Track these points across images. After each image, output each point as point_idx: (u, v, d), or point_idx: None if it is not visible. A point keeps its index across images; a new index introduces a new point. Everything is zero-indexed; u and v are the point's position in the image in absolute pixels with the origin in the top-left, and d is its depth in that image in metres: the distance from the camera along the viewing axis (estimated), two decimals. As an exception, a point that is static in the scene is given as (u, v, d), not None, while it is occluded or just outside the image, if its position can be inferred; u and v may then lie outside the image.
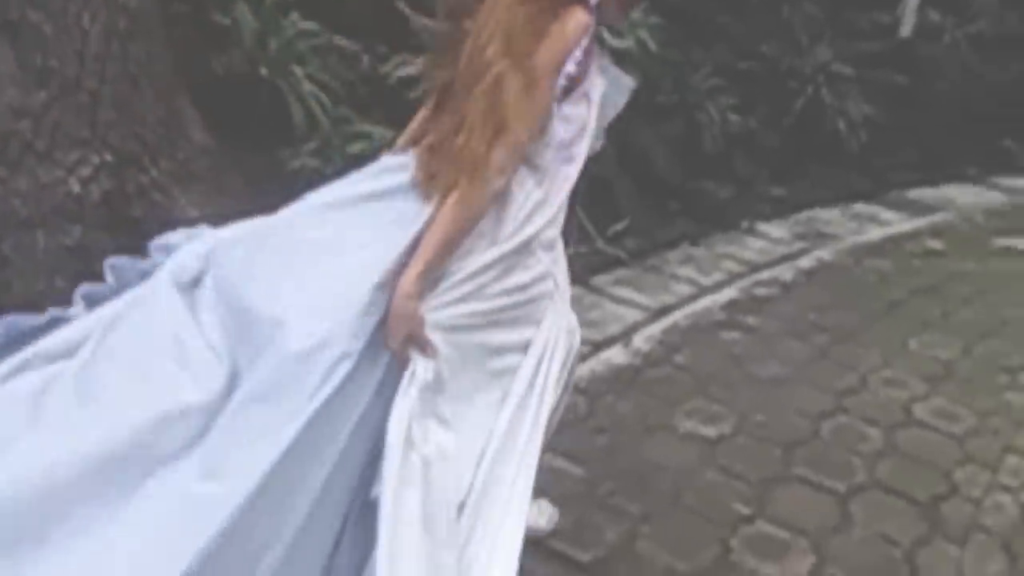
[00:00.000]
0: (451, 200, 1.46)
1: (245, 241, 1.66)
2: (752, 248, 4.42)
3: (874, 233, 4.91)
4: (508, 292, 1.58)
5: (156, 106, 2.70)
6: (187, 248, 1.68)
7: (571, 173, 1.60)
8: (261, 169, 2.98)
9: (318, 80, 3.17)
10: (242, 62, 3.06)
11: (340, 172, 3.03)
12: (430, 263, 1.47)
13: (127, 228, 2.65)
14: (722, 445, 2.68)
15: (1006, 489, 2.60)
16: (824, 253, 4.47)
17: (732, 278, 3.99)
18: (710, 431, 2.74)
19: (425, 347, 1.49)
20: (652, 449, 2.60)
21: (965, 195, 5.94)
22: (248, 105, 3.05)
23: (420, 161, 1.55)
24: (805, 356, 3.32)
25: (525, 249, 1.58)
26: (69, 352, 1.61)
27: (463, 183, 1.45)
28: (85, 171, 2.56)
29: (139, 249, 2.16)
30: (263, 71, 3.03)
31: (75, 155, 2.54)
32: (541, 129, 1.52)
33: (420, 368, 1.47)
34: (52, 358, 1.61)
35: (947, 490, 2.57)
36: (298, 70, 3.07)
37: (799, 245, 4.53)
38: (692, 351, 3.24)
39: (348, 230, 1.56)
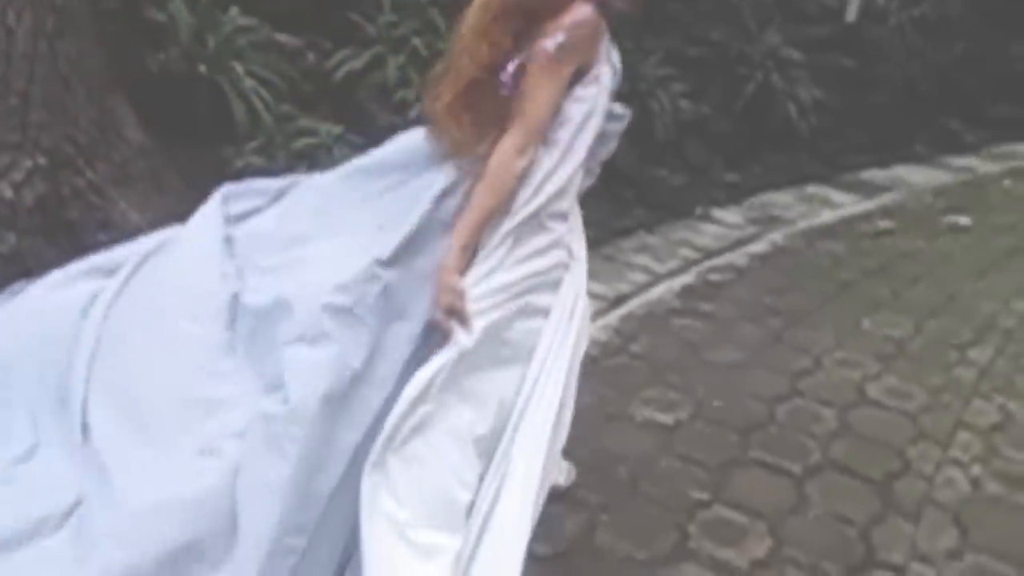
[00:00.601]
0: (482, 183, 1.62)
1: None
2: (706, 234, 4.43)
3: (826, 215, 4.96)
4: (521, 261, 1.69)
5: (89, 106, 2.62)
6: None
7: (581, 147, 1.70)
8: (203, 168, 2.91)
9: (259, 77, 3.10)
10: (179, 59, 2.98)
11: (285, 170, 3.01)
12: (468, 239, 1.64)
13: (64, 232, 2.58)
14: (679, 432, 2.68)
15: (957, 464, 2.64)
16: (777, 237, 4.50)
17: (687, 265, 4.00)
18: (667, 418, 2.73)
19: (466, 319, 1.62)
20: (610, 439, 2.59)
21: (914, 175, 6.03)
22: (187, 103, 2.98)
23: (441, 139, 1.72)
24: (760, 340, 3.34)
25: (534, 220, 1.69)
26: (110, 271, 1.86)
27: (493, 166, 1.62)
28: (17, 175, 2.48)
29: (78, 253, 2.10)
30: (201, 68, 2.95)
31: (6, 159, 2.46)
32: (555, 111, 1.66)
33: (462, 337, 1.61)
34: (97, 272, 1.87)
35: (900, 467, 2.59)
36: (238, 67, 2.99)
37: (752, 230, 4.56)
38: (648, 339, 3.24)
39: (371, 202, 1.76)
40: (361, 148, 3.27)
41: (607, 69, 1.71)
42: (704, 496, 2.39)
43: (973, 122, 7.12)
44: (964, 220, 5.03)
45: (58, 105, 2.54)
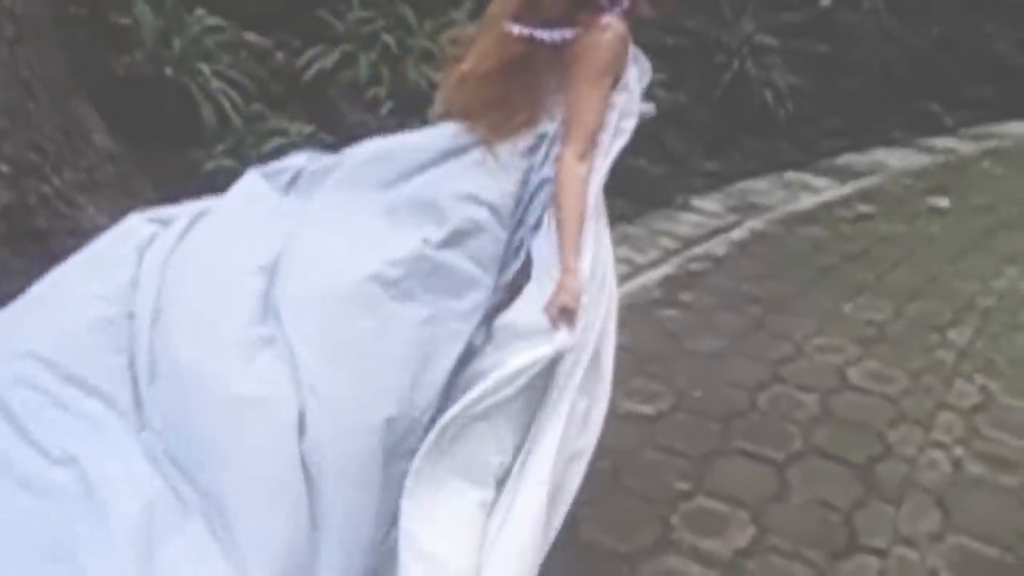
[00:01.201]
0: (559, 198, 1.73)
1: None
2: (687, 223, 4.43)
3: (806, 201, 4.96)
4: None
5: (53, 113, 2.57)
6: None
7: (615, 150, 1.83)
8: (173, 172, 2.88)
9: (227, 77, 3.06)
10: (145, 62, 2.94)
11: (256, 171, 2.96)
12: (576, 248, 1.71)
13: (32, 241, 2.53)
14: (661, 423, 2.67)
15: (939, 446, 2.64)
16: (757, 224, 4.50)
17: (667, 255, 3.99)
18: (649, 409, 2.72)
19: (574, 323, 1.65)
20: (591, 432, 2.57)
21: (892, 158, 6.04)
22: (154, 106, 2.93)
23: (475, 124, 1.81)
24: (741, 328, 3.33)
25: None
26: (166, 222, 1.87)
27: (563, 180, 1.72)
28: (-20, 185, 2.43)
29: (47, 262, 2.06)
30: (168, 71, 2.91)
31: (-33, 169, 2.41)
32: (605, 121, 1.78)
33: (565, 336, 1.63)
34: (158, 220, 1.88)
35: (882, 451, 2.59)
36: (205, 68, 2.95)
37: (732, 217, 4.56)
38: (630, 330, 3.19)
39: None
40: (332, 147, 3.25)
41: (634, 72, 1.83)
42: (687, 487, 2.38)
43: (951, 104, 7.13)
44: (943, 202, 5.04)
45: (20, 112, 2.49)
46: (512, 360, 1.61)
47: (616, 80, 1.79)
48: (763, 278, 3.80)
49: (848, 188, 5.27)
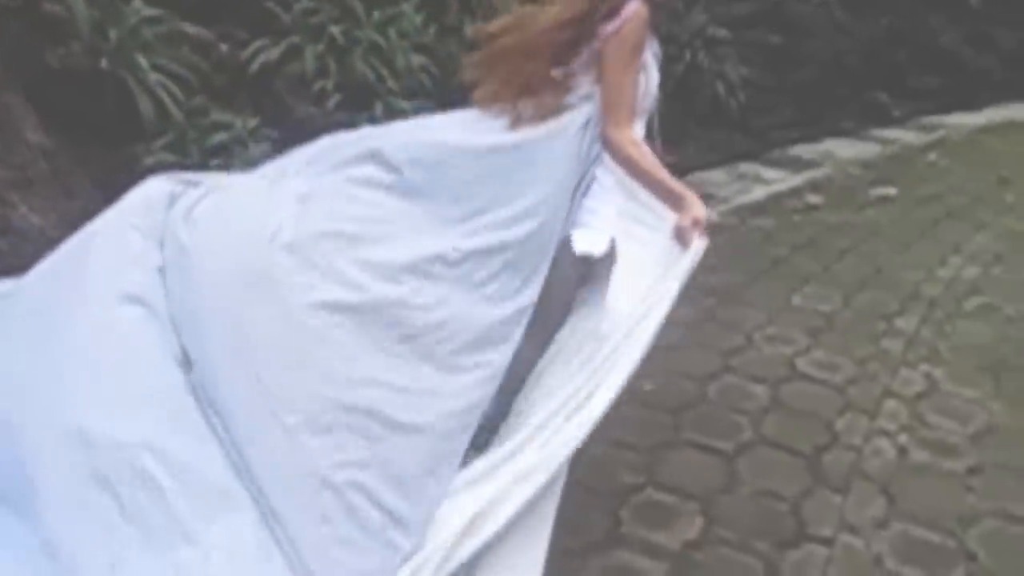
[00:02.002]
0: (630, 171, 1.84)
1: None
2: (640, 215, 4.42)
3: (758, 192, 5.00)
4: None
5: (-19, 107, 2.49)
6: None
7: (641, 122, 1.96)
8: (111, 168, 2.79)
9: (167, 70, 2.97)
10: (81, 54, 2.84)
11: (199, 167, 2.90)
12: (669, 180, 1.85)
13: (-40, 240, 2.45)
14: (612, 417, 2.63)
15: (884, 433, 2.67)
16: (711, 215, 4.51)
17: (620, 247, 3.98)
18: (600, 403, 2.71)
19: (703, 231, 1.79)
20: (542, 427, 2.56)
21: (842, 149, 6.12)
22: (91, 100, 2.84)
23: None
24: (693, 319, 3.34)
25: None
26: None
27: (624, 155, 1.84)
28: (-95, 184, 2.35)
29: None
30: (104, 63, 2.82)
31: None
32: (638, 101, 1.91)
33: (700, 242, 1.77)
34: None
35: (829, 440, 2.62)
36: (143, 60, 2.87)
37: (685, 209, 4.56)
38: (582, 323, 3.21)
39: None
40: (278, 141, 3.20)
41: (650, 55, 1.94)
42: (637, 480, 2.38)
43: (899, 95, 7.26)
44: (891, 192, 5.12)
45: (-54, 107, 2.41)
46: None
47: (642, 56, 1.90)
48: (716, 269, 3.81)
49: (799, 179, 5.32)
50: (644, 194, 1.85)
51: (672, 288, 1.74)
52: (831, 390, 2.91)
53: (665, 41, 5.76)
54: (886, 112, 7.04)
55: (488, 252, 1.75)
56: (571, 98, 1.88)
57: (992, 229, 4.72)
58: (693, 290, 3.48)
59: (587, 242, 1.84)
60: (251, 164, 3.02)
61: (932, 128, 6.98)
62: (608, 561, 2.08)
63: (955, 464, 2.55)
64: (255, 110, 3.23)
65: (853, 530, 2.24)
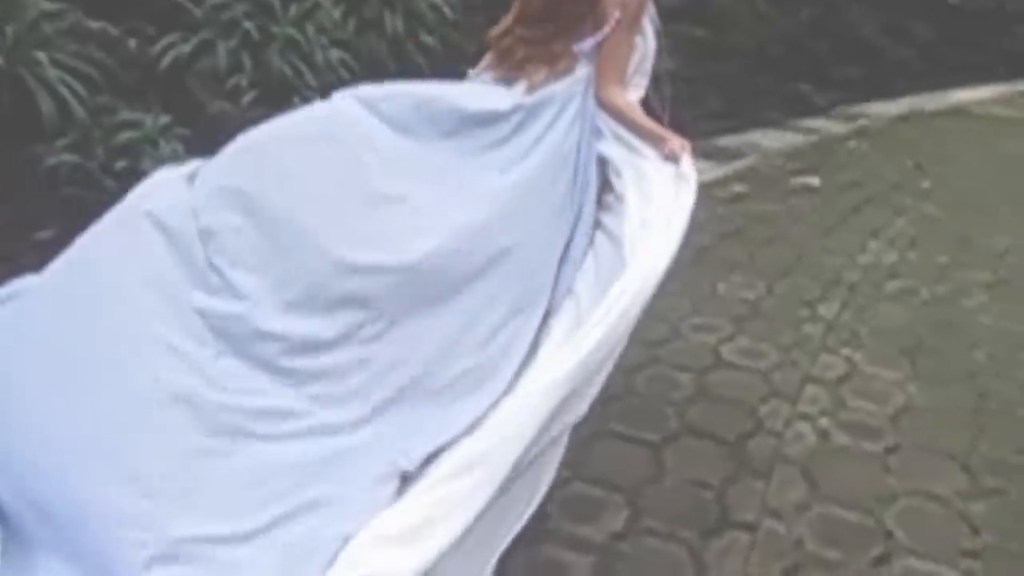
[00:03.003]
0: (622, 121, 2.10)
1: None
2: (568, 208, 4.42)
3: (685, 183, 5.03)
4: None
5: None
6: None
7: (643, 83, 2.24)
8: (12, 168, 2.67)
9: (70, 67, 2.85)
10: (-25, 51, 2.71)
11: (104, 167, 2.79)
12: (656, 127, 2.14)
13: None
14: (539, 411, 2.64)
15: (805, 418, 2.72)
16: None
17: (548, 240, 3.97)
18: (527, 398, 2.69)
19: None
20: (468, 424, 2.53)
21: (767, 139, 6.22)
22: (-13, 100, 2.71)
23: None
24: (620, 311, 3.35)
25: None
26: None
27: (616, 110, 2.11)
28: None
29: None
30: (0, 61, 2.69)
31: None
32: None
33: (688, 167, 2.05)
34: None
35: (753, 427, 2.65)
36: (43, 57, 2.74)
37: (613, 201, 4.58)
38: (509, 318, 3.19)
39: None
40: (190, 139, 3.10)
41: (647, 21, 2.19)
42: (564, 474, 2.35)
43: (821, 85, 7.42)
44: (813, 180, 5.22)
45: None
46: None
47: (638, 25, 2.14)
48: (642, 260, 3.84)
49: (725, 169, 5.39)
50: (636, 140, 2.10)
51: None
52: (755, 377, 2.95)
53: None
54: (809, 102, 7.19)
55: None
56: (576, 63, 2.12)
57: (909, 214, 4.85)
58: (621, 282, 3.55)
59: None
60: (161, 163, 2.93)
61: (852, 117, 7.14)
62: (534, 556, 2.06)
63: (874, 445, 2.61)
64: (166, 108, 3.12)
65: (775, 515, 2.26)
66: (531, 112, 2.02)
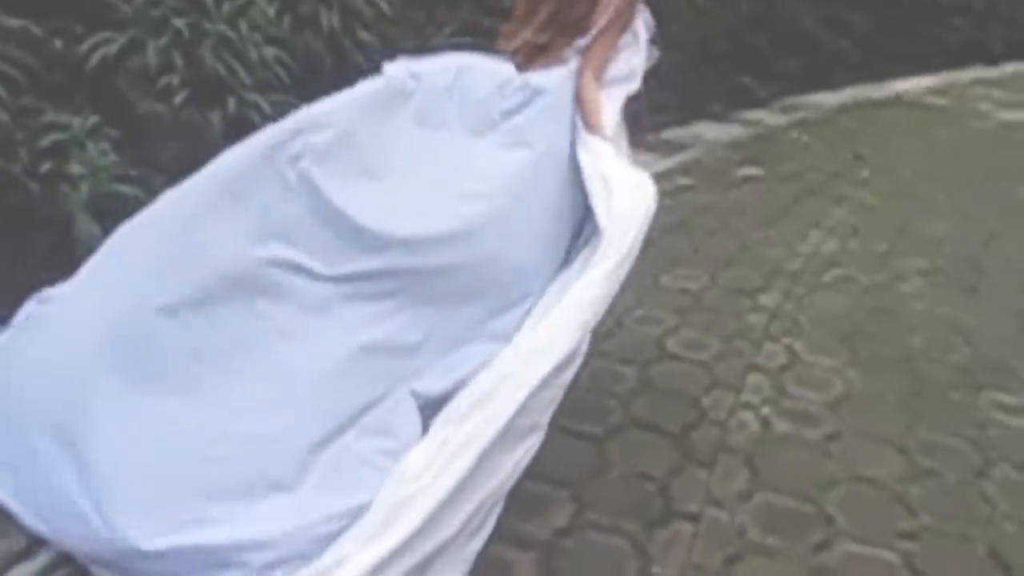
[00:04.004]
0: (584, 104, 2.29)
1: None
2: (514, 204, 4.41)
3: (630, 176, 5.06)
4: None
5: None
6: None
7: (631, 87, 2.40)
8: (-74, 177, 2.56)
9: (-12, 68, 2.75)
10: None
11: (28, 171, 2.69)
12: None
13: None
14: (483, 408, 2.63)
15: (748, 407, 2.74)
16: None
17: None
18: (471, 396, 2.67)
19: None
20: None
21: (712, 131, 6.29)
22: (-102, 103, 2.60)
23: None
24: (565, 305, 3.34)
25: None
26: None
27: (585, 98, 2.29)
28: None
29: None
30: (-90, 61, 2.58)
31: None
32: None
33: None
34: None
35: (696, 417, 2.67)
36: (-42, 58, 2.64)
37: (559, 196, 4.58)
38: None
39: None
40: (119, 141, 3.02)
41: (641, 23, 2.36)
42: (509, 471, 2.35)
43: (763, 77, 7.51)
44: (755, 171, 5.29)
45: None
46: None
47: (625, 27, 2.31)
48: (587, 255, 3.84)
49: (670, 162, 5.43)
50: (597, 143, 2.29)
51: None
52: (698, 368, 2.97)
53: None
54: (752, 94, 7.28)
55: None
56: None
57: (849, 203, 4.94)
58: (566, 276, 3.53)
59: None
60: (90, 165, 2.85)
61: (794, 108, 7.26)
62: (478, 555, 2.04)
63: (814, 432, 2.64)
64: (94, 108, 3.03)
65: (718, 504, 2.28)
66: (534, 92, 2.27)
